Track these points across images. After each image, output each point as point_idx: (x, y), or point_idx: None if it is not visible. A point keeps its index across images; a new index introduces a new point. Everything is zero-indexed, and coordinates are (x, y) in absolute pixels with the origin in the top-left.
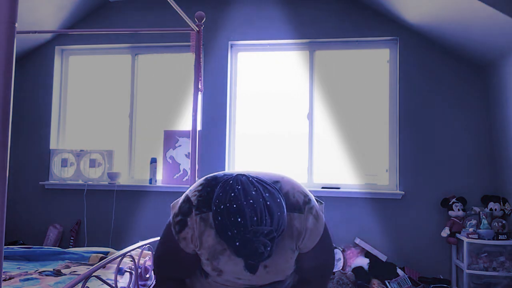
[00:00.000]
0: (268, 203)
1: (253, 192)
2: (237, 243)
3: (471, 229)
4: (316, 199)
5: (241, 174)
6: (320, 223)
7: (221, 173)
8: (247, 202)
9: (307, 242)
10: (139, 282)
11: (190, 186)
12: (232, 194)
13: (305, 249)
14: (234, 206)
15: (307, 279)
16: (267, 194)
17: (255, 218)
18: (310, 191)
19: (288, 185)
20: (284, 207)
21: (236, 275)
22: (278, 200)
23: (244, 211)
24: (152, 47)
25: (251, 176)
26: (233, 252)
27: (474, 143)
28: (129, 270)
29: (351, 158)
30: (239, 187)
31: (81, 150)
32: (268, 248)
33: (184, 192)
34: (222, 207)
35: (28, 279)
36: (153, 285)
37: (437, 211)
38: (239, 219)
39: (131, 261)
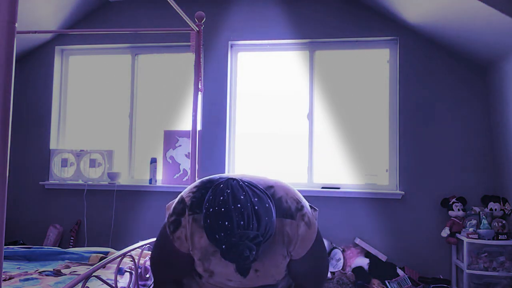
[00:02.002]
0: (256, 208)
1: (242, 197)
2: (224, 246)
3: (471, 229)
4: (310, 206)
5: (232, 179)
6: (312, 230)
7: (217, 176)
8: (235, 207)
9: (299, 249)
10: (139, 282)
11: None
12: (221, 198)
13: (297, 256)
14: (222, 210)
15: (300, 286)
16: (255, 199)
17: (242, 223)
18: (310, 191)
19: (281, 190)
20: (273, 212)
21: (227, 277)
22: (267, 205)
23: (231, 215)
24: (152, 47)
25: (242, 180)
26: (220, 254)
27: (474, 143)
28: (129, 270)
29: (351, 158)
30: (228, 191)
31: (81, 150)
32: (254, 252)
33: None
34: (211, 210)
35: (28, 279)
36: (152, 285)
37: (437, 211)
38: (226, 223)
39: (131, 261)
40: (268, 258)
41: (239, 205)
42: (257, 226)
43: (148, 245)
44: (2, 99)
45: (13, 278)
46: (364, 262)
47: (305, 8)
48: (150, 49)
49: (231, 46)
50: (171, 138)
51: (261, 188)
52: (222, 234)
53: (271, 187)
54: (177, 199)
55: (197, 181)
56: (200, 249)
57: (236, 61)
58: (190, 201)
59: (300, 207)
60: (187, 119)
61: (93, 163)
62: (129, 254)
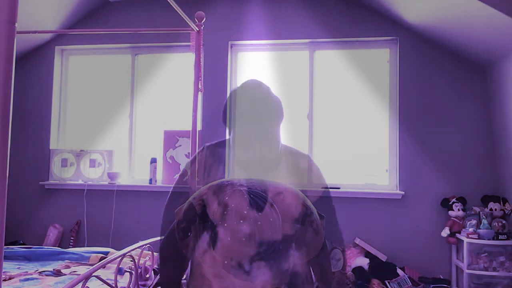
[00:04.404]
0: (259, 223)
1: (244, 212)
2: (225, 262)
3: (471, 229)
4: (318, 213)
5: (238, 190)
6: (319, 237)
7: (225, 181)
8: (237, 222)
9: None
10: (139, 282)
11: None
12: (225, 213)
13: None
14: (225, 224)
15: None
16: (259, 213)
17: (244, 239)
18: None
19: (291, 196)
20: (278, 225)
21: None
22: (271, 219)
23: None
24: (152, 47)
25: (247, 191)
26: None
27: (474, 143)
28: (129, 270)
29: (351, 158)
30: (233, 205)
31: (81, 150)
32: (254, 269)
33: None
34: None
35: (28, 279)
36: (153, 285)
37: (437, 211)
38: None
39: (131, 261)
40: None
41: (241, 221)
42: (259, 242)
43: (148, 245)
44: (2, 99)
45: (13, 278)
46: (364, 262)
47: (305, 8)
48: (150, 49)
49: (231, 46)
50: (171, 138)
51: (265, 198)
52: None
53: (280, 193)
54: (186, 205)
55: (206, 186)
56: None
57: (236, 61)
58: (201, 210)
59: (310, 213)
60: (187, 119)
61: (93, 163)
62: (129, 254)
